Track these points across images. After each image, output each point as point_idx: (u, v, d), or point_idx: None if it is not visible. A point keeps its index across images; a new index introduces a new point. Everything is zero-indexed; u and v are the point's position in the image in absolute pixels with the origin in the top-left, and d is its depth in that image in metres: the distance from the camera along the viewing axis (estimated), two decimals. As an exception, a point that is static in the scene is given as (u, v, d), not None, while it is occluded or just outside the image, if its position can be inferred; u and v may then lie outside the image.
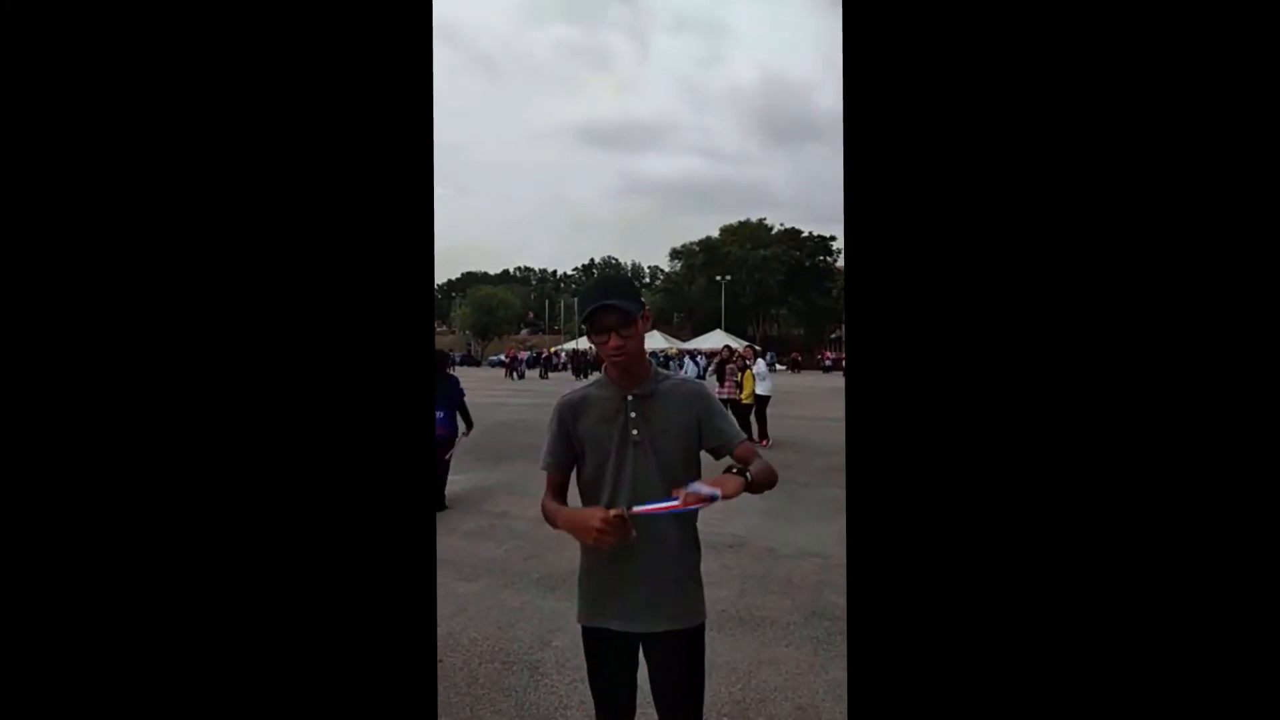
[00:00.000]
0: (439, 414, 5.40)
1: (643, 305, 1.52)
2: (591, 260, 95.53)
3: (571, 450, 1.59)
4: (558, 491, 1.62)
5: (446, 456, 5.60)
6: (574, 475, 1.62)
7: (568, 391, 1.65)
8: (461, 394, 5.82)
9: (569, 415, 1.58)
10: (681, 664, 1.55)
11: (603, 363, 1.57)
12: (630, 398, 1.53)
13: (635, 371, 1.54)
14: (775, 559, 4.27)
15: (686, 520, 1.55)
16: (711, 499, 1.35)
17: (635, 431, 1.52)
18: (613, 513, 1.40)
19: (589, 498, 1.57)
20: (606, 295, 1.47)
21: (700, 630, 1.56)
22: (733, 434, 1.56)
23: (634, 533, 1.41)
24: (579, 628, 1.60)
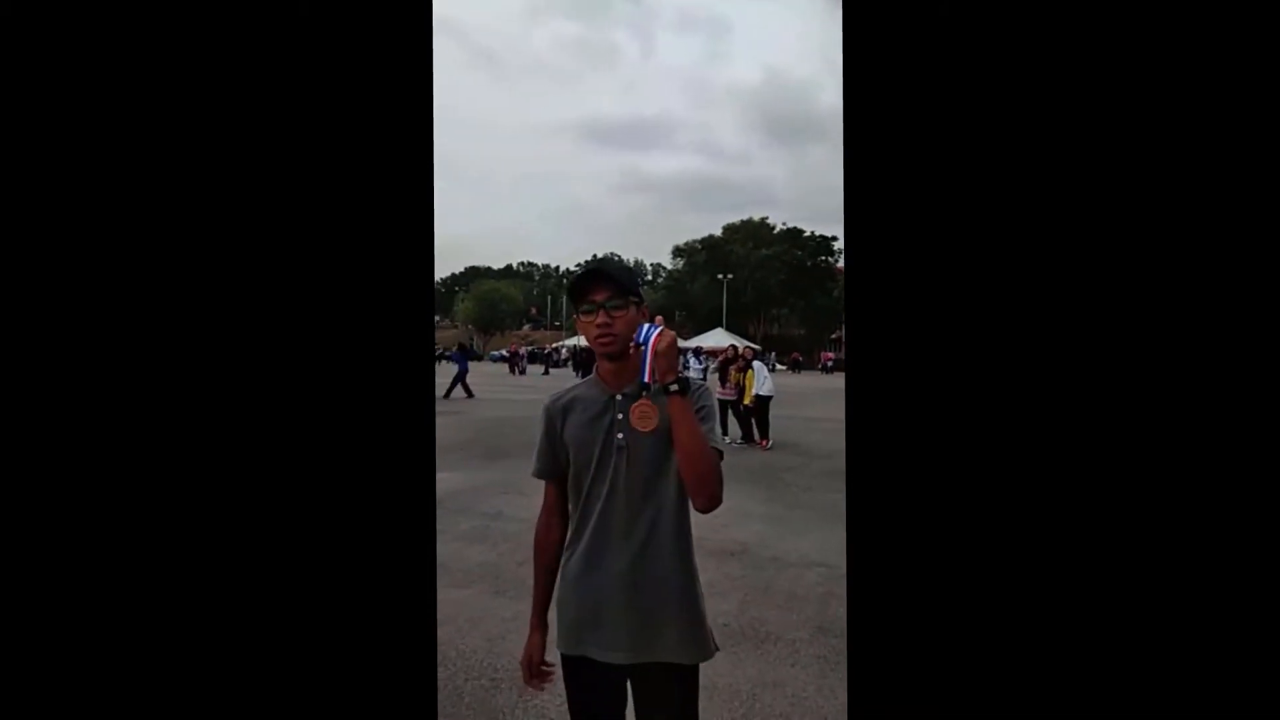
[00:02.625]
0: None
1: (640, 298, 1.39)
2: (594, 256, 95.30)
3: (561, 454, 1.45)
4: (555, 508, 1.50)
5: None
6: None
7: (555, 393, 1.51)
8: None
9: (557, 417, 1.45)
10: (668, 704, 1.39)
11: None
12: (619, 398, 1.39)
13: (627, 369, 1.39)
14: (779, 568, 4.11)
15: (678, 540, 1.38)
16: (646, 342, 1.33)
17: (620, 435, 1.37)
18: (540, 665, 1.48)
19: (570, 500, 1.46)
20: (603, 267, 1.39)
21: (696, 669, 1.40)
22: (710, 438, 1.36)
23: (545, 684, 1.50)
24: None
